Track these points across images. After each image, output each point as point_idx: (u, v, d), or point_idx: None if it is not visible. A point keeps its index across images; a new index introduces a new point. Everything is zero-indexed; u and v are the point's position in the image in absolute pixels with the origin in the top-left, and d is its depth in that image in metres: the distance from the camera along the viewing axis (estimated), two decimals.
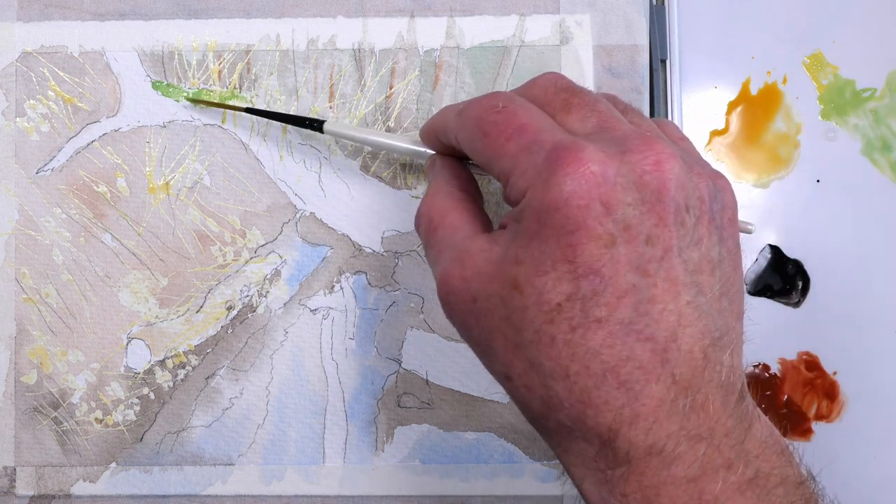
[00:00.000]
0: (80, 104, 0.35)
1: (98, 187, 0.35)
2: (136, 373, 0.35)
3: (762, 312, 0.36)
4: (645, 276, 0.22)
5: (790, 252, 0.36)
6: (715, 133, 0.37)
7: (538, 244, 0.22)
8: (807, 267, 0.36)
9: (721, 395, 0.22)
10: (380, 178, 0.35)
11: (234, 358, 0.35)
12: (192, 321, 0.35)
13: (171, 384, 0.35)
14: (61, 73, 0.35)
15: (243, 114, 0.35)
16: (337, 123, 0.32)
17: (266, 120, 0.35)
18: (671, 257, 0.22)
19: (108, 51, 0.35)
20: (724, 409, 0.22)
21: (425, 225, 0.26)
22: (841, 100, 0.37)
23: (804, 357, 0.36)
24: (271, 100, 0.35)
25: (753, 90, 0.37)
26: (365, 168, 0.35)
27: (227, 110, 0.35)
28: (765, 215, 0.36)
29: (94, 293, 0.35)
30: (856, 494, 0.35)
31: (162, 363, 0.35)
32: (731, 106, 0.37)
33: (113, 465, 0.35)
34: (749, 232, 0.31)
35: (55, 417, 0.35)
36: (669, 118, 0.36)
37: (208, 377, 0.35)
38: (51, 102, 0.35)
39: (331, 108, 0.35)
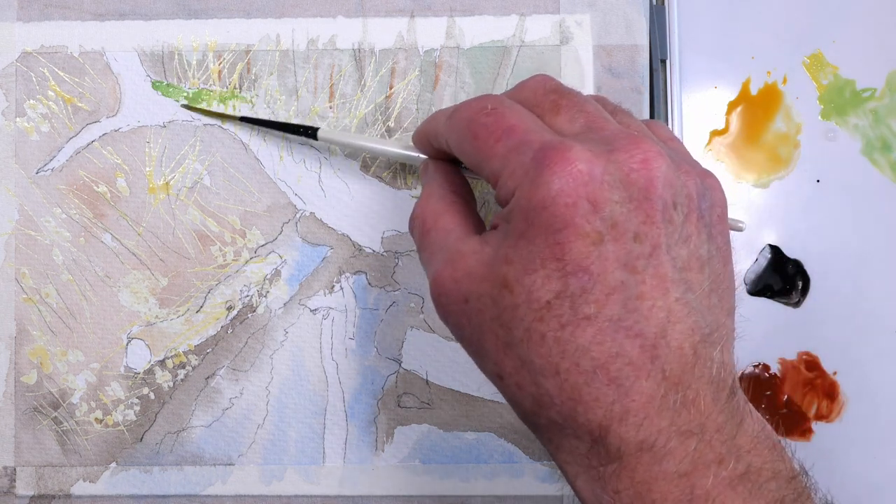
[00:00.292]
0: (80, 104, 0.35)
1: (98, 187, 0.35)
2: (136, 373, 0.35)
3: (762, 312, 0.36)
4: (633, 273, 0.22)
5: (790, 252, 0.36)
6: (715, 133, 0.37)
7: (527, 243, 0.22)
8: (807, 267, 0.36)
9: (712, 390, 0.22)
10: (380, 178, 0.35)
11: (234, 358, 0.35)
12: (192, 321, 0.35)
13: (171, 384, 0.35)
14: (61, 73, 0.35)
15: (242, 113, 0.35)
16: (330, 131, 0.33)
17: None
18: (659, 254, 0.22)
19: (108, 51, 0.35)
20: (715, 404, 0.22)
21: (418, 228, 0.27)
22: (841, 100, 0.37)
23: (804, 357, 0.36)
24: (271, 100, 0.35)
25: (753, 90, 0.37)
26: (365, 168, 0.35)
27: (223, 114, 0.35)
28: (765, 215, 0.36)
29: (94, 293, 0.35)
30: (856, 494, 0.35)
31: (162, 363, 0.35)
32: (731, 106, 0.37)
33: (113, 465, 0.35)
34: (740, 230, 0.31)
35: (55, 417, 0.35)
36: (669, 118, 0.36)
37: (208, 377, 0.35)
38: (51, 102, 0.35)
39: (331, 108, 0.35)
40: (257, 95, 0.35)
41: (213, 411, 0.35)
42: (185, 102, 0.35)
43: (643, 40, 0.35)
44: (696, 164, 0.25)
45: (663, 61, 0.36)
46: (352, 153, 0.35)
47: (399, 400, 0.35)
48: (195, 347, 0.35)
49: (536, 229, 0.22)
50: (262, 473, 0.35)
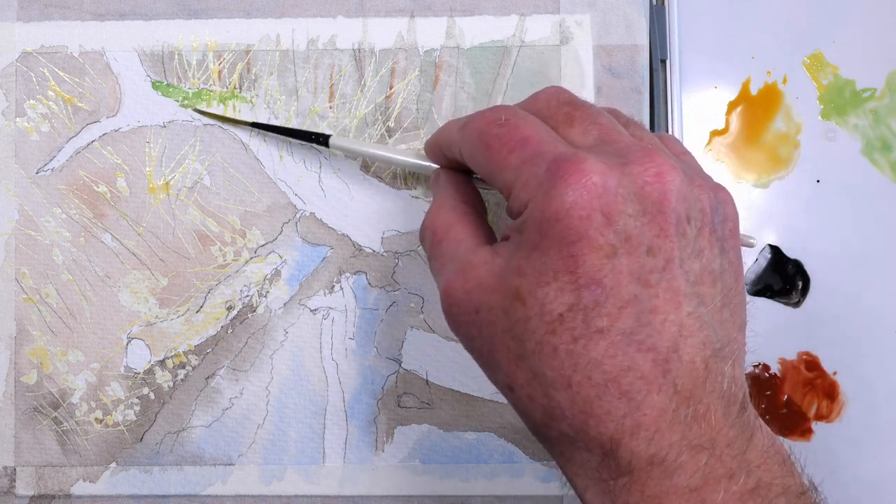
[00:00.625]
0: (80, 104, 0.35)
1: (98, 187, 0.35)
2: (136, 373, 0.35)
3: (762, 312, 0.36)
4: (646, 287, 0.22)
5: (790, 252, 0.36)
6: (715, 133, 0.37)
7: (540, 255, 0.22)
8: (807, 267, 0.36)
9: (723, 405, 0.22)
10: (380, 178, 0.35)
11: (234, 358, 0.35)
12: (192, 321, 0.35)
13: (171, 384, 0.35)
14: (61, 73, 0.35)
15: (243, 113, 0.35)
16: (342, 139, 0.33)
17: (266, 119, 0.35)
18: (672, 268, 0.22)
19: (108, 51, 0.35)
20: (726, 419, 0.22)
21: (430, 238, 0.27)
22: (841, 100, 0.37)
23: (804, 357, 0.36)
24: (271, 100, 0.35)
25: (753, 90, 0.37)
26: (365, 168, 0.35)
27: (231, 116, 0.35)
28: (765, 215, 0.36)
29: (94, 293, 0.35)
30: (856, 494, 0.35)
31: (162, 363, 0.35)
32: (731, 106, 0.37)
33: (113, 465, 0.35)
34: (751, 246, 0.31)
35: (55, 417, 0.35)
36: (669, 118, 0.36)
37: (208, 377, 0.35)
38: (51, 102, 0.35)
39: (331, 108, 0.35)
40: (257, 95, 0.35)
41: (213, 411, 0.35)
42: (197, 106, 0.35)
43: (643, 40, 0.35)
44: (708, 178, 0.25)
45: (663, 61, 0.36)
46: (361, 161, 0.35)
47: (399, 400, 0.35)
48: (195, 347, 0.35)
49: (550, 241, 0.22)
50: (262, 473, 0.35)
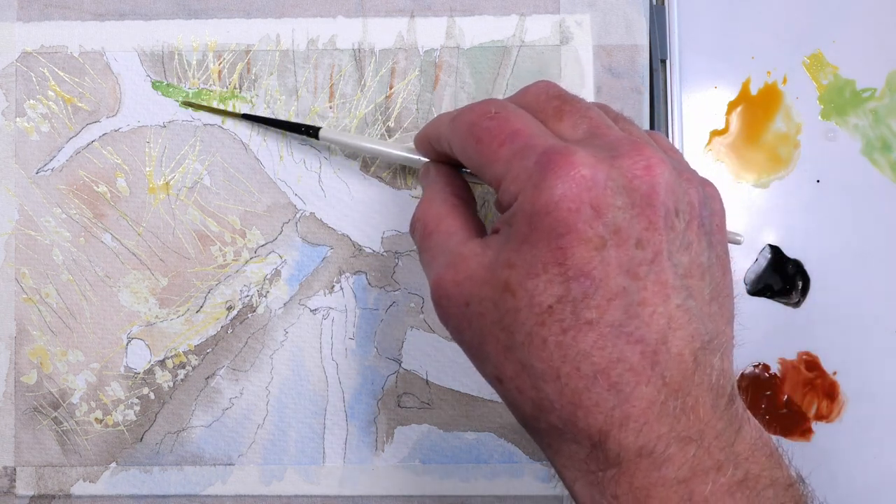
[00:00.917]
0: (80, 104, 0.35)
1: (98, 187, 0.35)
2: (136, 373, 0.35)
3: (762, 312, 0.36)
4: (635, 280, 0.22)
5: (790, 252, 0.36)
6: (715, 133, 0.37)
7: (529, 247, 0.22)
8: (807, 267, 0.36)
9: (711, 397, 0.22)
10: (380, 178, 0.35)
11: (234, 358, 0.35)
12: (192, 321, 0.35)
13: (171, 384, 0.35)
14: (61, 73, 0.35)
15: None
16: (332, 131, 0.33)
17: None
18: (661, 261, 0.22)
19: (108, 51, 0.35)
20: (714, 411, 0.22)
21: (420, 230, 0.27)
22: (841, 100, 0.37)
23: (804, 357, 0.36)
24: (271, 100, 0.35)
25: (753, 90, 0.37)
26: (365, 168, 0.35)
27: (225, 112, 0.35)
28: (765, 215, 0.36)
29: (94, 293, 0.35)
30: (856, 494, 0.35)
31: (162, 363, 0.35)
32: (731, 106, 0.37)
33: (113, 465, 0.35)
34: (738, 243, 0.31)
35: (55, 417, 0.35)
36: (669, 118, 0.36)
37: (208, 377, 0.35)
38: (51, 102, 0.35)
39: (331, 108, 0.35)
40: (257, 95, 0.35)
41: (213, 411, 0.35)
42: (185, 99, 0.35)
43: (643, 40, 0.35)
44: (695, 173, 0.25)
45: (663, 61, 0.36)
46: (352, 153, 0.35)
47: (399, 400, 0.35)
48: (195, 347, 0.35)
49: (539, 234, 0.22)
50: (262, 473, 0.35)
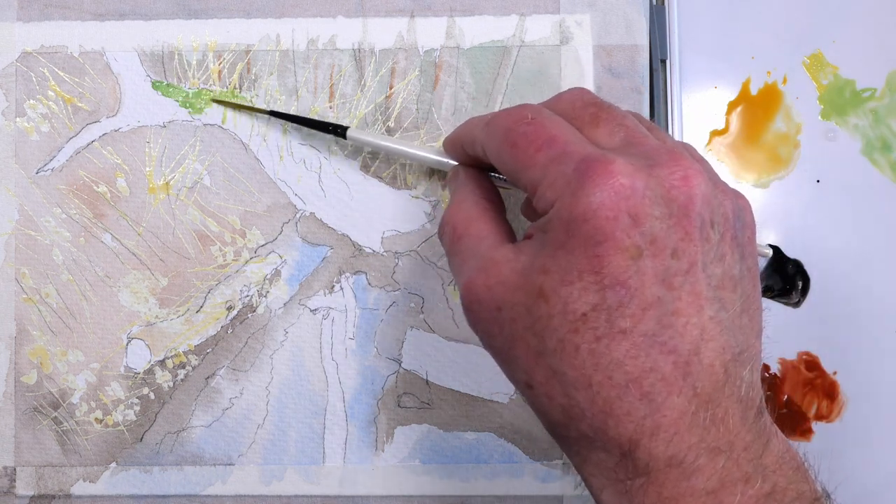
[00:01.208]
0: (80, 104, 0.35)
1: (98, 187, 0.35)
2: (136, 373, 0.35)
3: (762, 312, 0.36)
4: (670, 290, 0.22)
5: (790, 252, 0.36)
6: (715, 133, 0.37)
7: (565, 254, 0.22)
8: (807, 267, 0.36)
9: (740, 409, 0.22)
10: (380, 179, 0.35)
11: (234, 358, 0.35)
12: (192, 321, 0.35)
13: (171, 384, 0.35)
14: (61, 73, 0.35)
15: (243, 113, 0.35)
16: (360, 131, 0.33)
17: (266, 119, 0.35)
18: (696, 272, 0.22)
19: (108, 51, 0.35)
20: (744, 423, 0.22)
21: (450, 234, 0.27)
22: (841, 100, 0.37)
23: (804, 357, 0.36)
24: (271, 100, 0.35)
25: (753, 90, 0.37)
26: (365, 168, 0.35)
27: (249, 110, 0.35)
28: (765, 215, 0.36)
29: (94, 293, 0.35)
30: (856, 494, 0.35)
31: (162, 363, 0.35)
32: (731, 106, 0.37)
33: (113, 465, 0.35)
34: (766, 256, 0.31)
35: (55, 417, 0.35)
36: (669, 118, 0.36)
37: (208, 377, 0.35)
38: (51, 102, 0.35)
39: (331, 108, 0.35)
40: (257, 95, 0.35)
41: (213, 411, 0.35)
42: (213, 97, 0.35)
43: (643, 40, 0.35)
44: (728, 185, 0.25)
45: (663, 61, 0.36)
46: (354, 151, 0.35)
47: (399, 400, 0.35)
48: (195, 347, 0.35)
49: (576, 241, 0.22)
50: (262, 473, 0.35)
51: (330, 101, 0.35)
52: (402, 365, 0.35)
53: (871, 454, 0.35)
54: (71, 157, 0.35)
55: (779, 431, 0.24)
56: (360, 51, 0.35)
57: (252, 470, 0.35)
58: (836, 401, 0.36)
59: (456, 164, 0.30)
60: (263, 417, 0.35)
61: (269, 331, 0.35)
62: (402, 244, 0.35)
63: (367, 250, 0.35)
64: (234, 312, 0.35)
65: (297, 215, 0.35)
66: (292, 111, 0.35)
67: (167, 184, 0.35)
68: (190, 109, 0.35)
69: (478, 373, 0.35)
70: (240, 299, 0.35)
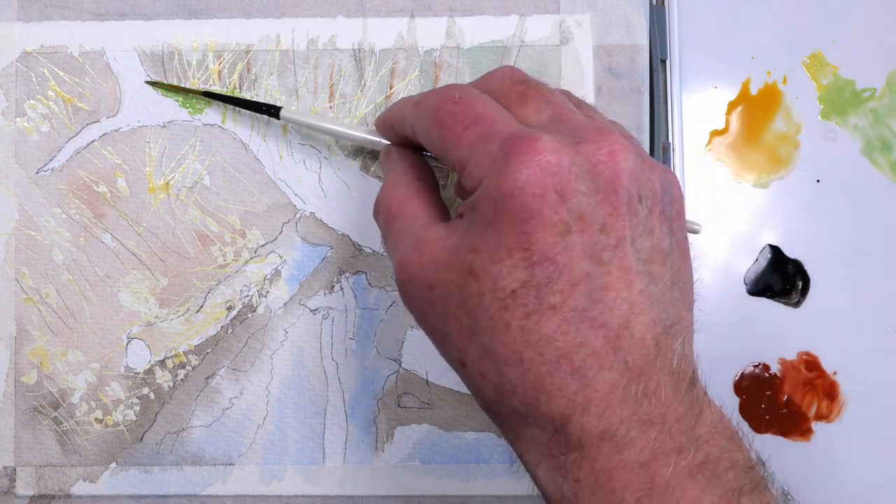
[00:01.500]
0: (80, 104, 0.35)
1: (98, 187, 0.35)
2: (136, 373, 0.35)
3: (762, 312, 0.36)
4: (599, 265, 0.22)
5: (790, 252, 0.36)
6: (715, 133, 0.37)
7: (493, 232, 0.22)
8: (807, 267, 0.36)
9: (672, 381, 0.23)
10: (380, 178, 0.35)
11: (234, 358, 0.35)
12: (192, 321, 0.35)
13: (171, 384, 0.35)
14: (61, 73, 0.35)
15: (243, 113, 0.35)
16: (293, 111, 0.33)
17: (266, 119, 0.35)
18: (624, 246, 0.22)
19: (108, 51, 0.35)
20: (676, 395, 0.23)
21: (384, 214, 0.27)
22: (841, 100, 0.37)
23: (804, 357, 0.36)
24: (271, 99, 0.35)
25: (753, 90, 0.37)
26: (365, 168, 0.35)
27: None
28: (765, 215, 0.36)
29: (94, 293, 0.35)
30: (856, 494, 0.35)
31: (162, 363, 0.35)
32: (731, 106, 0.37)
33: (113, 465, 0.35)
34: (696, 232, 0.31)
35: (55, 417, 0.35)
36: (669, 118, 0.36)
37: (208, 377, 0.35)
38: (51, 102, 0.35)
39: (331, 108, 0.35)
40: (257, 95, 0.35)
41: (213, 411, 0.35)
42: (149, 78, 0.35)
43: (643, 40, 0.35)
44: (656, 161, 0.25)
45: (663, 61, 0.36)
46: (354, 151, 0.35)
47: (399, 400, 0.35)
48: (195, 347, 0.35)
49: (504, 218, 0.22)
50: (262, 473, 0.35)
51: (330, 101, 0.35)
52: (402, 365, 0.35)
53: (871, 454, 0.35)
54: (71, 157, 0.35)
55: (712, 402, 0.24)
56: (360, 51, 0.35)
57: (252, 470, 0.35)
58: (836, 401, 0.36)
59: (388, 143, 0.30)
60: (263, 417, 0.35)
61: (269, 331, 0.35)
62: None
63: (367, 250, 0.35)
64: (234, 312, 0.35)
65: (297, 215, 0.35)
66: (293, 111, 0.35)
67: (167, 184, 0.35)
68: (190, 109, 0.35)
69: None
70: (240, 299, 0.35)
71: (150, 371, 0.35)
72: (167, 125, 0.35)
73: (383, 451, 0.35)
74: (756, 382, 0.36)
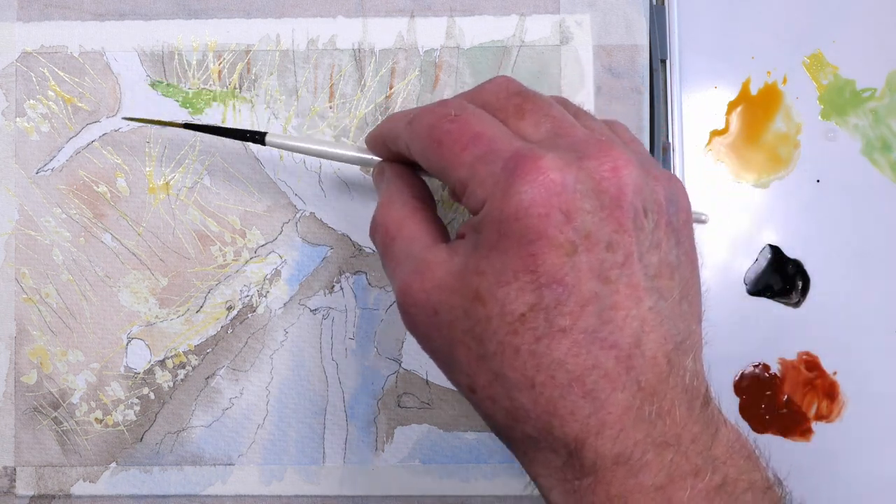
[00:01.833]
0: (80, 104, 0.35)
1: (98, 187, 0.35)
2: (136, 373, 0.35)
3: (762, 312, 0.36)
4: (607, 284, 0.22)
5: (790, 252, 0.36)
6: (715, 133, 0.37)
7: (499, 255, 0.22)
8: (807, 267, 0.36)
9: (686, 400, 0.22)
10: None
11: (234, 358, 0.35)
12: (192, 321, 0.35)
13: (171, 384, 0.35)
14: (61, 73, 0.35)
15: (243, 113, 0.35)
16: (279, 135, 0.31)
17: (266, 119, 0.35)
18: (632, 263, 0.22)
19: (108, 51, 0.35)
20: (690, 414, 0.22)
21: (381, 235, 0.26)
22: (841, 100, 0.37)
23: (804, 357, 0.36)
24: (271, 100, 0.35)
25: (753, 90, 0.37)
26: (365, 168, 0.35)
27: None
28: (765, 215, 0.36)
29: (94, 293, 0.35)
30: (856, 494, 0.35)
31: (162, 363, 0.35)
32: (731, 106, 0.37)
33: (113, 465, 0.35)
34: (703, 222, 0.30)
35: (55, 417, 0.35)
36: (669, 118, 0.36)
37: (208, 377, 0.35)
38: (51, 102, 0.35)
39: (331, 108, 0.35)
40: (257, 95, 0.35)
41: (213, 411, 0.35)
42: (125, 117, 0.34)
43: (643, 40, 0.35)
44: (660, 167, 0.25)
45: (663, 61, 0.36)
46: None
47: (399, 400, 0.35)
48: (195, 347, 0.35)
49: (509, 241, 0.22)
50: (262, 473, 0.35)
51: (330, 101, 0.35)
52: (402, 365, 0.35)
53: (871, 454, 0.35)
54: (71, 157, 0.35)
55: (728, 420, 0.23)
56: (360, 51, 0.35)
57: (252, 470, 0.35)
58: (836, 401, 0.36)
59: (381, 160, 0.29)
60: (263, 417, 0.35)
61: (269, 331, 0.35)
62: None
63: (367, 250, 0.35)
64: (234, 312, 0.35)
65: (297, 215, 0.35)
66: (292, 111, 0.35)
67: (167, 184, 0.35)
68: (190, 109, 0.35)
69: None
70: (240, 299, 0.35)
71: (150, 371, 0.35)
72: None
73: (383, 451, 0.35)
74: (756, 382, 0.36)
